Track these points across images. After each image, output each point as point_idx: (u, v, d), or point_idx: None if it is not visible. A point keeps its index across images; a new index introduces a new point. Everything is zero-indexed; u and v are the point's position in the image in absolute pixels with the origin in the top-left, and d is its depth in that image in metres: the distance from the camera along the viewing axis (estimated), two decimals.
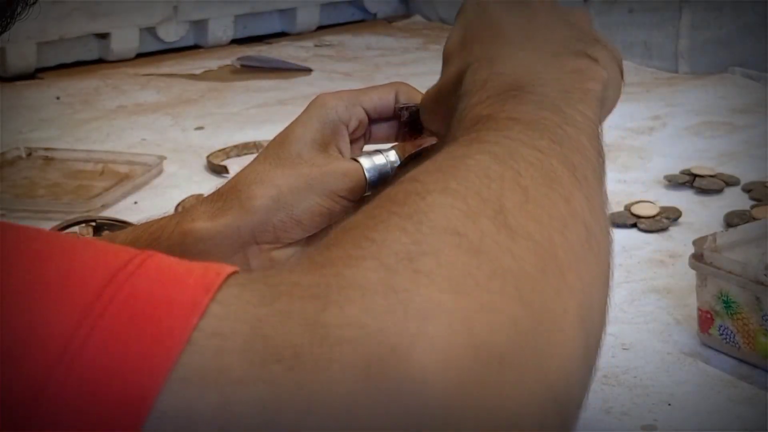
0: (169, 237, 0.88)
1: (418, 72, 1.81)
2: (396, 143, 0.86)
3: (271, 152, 0.87)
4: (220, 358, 0.48)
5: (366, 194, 0.84)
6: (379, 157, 0.85)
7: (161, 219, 0.89)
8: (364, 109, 0.87)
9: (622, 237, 1.21)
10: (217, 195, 0.88)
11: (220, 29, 2.13)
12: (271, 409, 0.47)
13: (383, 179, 0.84)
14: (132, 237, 0.88)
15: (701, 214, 1.27)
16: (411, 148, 0.85)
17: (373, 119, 0.87)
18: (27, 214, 1.33)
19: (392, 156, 0.85)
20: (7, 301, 0.49)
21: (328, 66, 1.98)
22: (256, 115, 1.69)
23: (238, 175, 0.87)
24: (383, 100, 0.87)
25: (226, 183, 0.87)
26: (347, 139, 0.86)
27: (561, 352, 0.54)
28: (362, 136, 0.87)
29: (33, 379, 0.48)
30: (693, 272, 0.98)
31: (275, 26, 2.23)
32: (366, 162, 0.85)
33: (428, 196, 0.56)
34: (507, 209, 0.55)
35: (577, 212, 0.60)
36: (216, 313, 0.49)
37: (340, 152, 0.86)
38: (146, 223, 0.90)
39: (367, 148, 0.88)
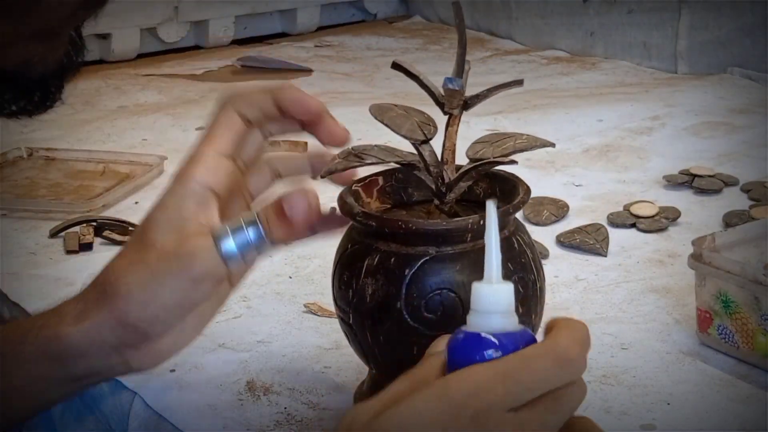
0: (33, 342, 0.82)
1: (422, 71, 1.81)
2: (262, 209, 0.80)
3: (135, 239, 0.82)
4: None
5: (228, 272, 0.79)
6: (230, 223, 0.79)
7: (23, 321, 0.85)
8: (230, 157, 0.82)
9: (621, 237, 1.22)
10: (85, 292, 0.82)
11: (221, 30, 2.14)
12: None
13: (246, 252, 0.79)
14: None
15: (700, 214, 1.28)
16: (274, 211, 0.80)
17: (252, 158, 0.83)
18: (28, 214, 1.33)
19: (252, 229, 0.79)
20: None
21: (329, 66, 1.98)
22: None
23: (105, 267, 0.82)
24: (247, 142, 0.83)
25: (96, 277, 0.82)
26: (214, 208, 0.80)
27: None
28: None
29: None
30: (692, 272, 0.98)
31: (275, 27, 2.23)
32: (216, 233, 0.78)
33: None
34: None
35: None
36: None
37: (207, 223, 0.79)
38: (12, 324, 0.86)
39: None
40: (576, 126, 1.58)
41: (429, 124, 0.88)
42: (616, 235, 1.22)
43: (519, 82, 0.86)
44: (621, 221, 1.25)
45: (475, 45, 2.05)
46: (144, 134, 1.62)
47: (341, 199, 0.86)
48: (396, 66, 0.86)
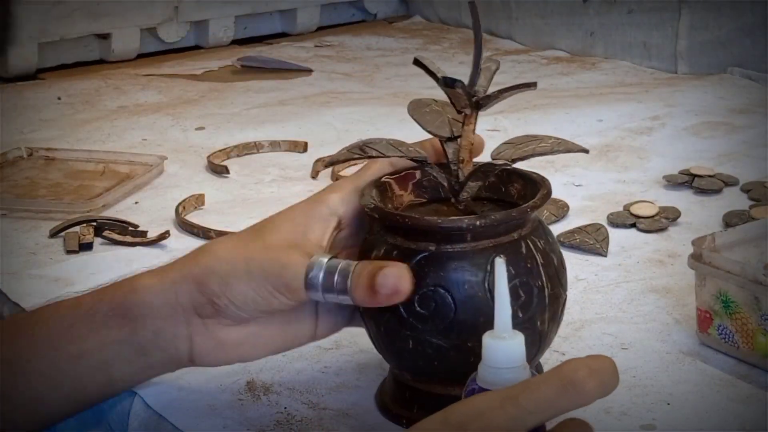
0: (114, 291, 0.87)
1: (418, 72, 1.81)
2: (361, 264, 0.83)
3: (250, 231, 0.87)
4: None
5: (308, 298, 0.83)
6: (331, 261, 0.83)
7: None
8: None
9: (621, 237, 1.22)
10: (177, 259, 0.87)
11: (221, 30, 2.14)
12: None
13: (329, 287, 0.82)
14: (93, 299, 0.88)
15: (700, 214, 1.28)
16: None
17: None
18: (28, 214, 1.33)
19: (341, 276, 0.82)
20: None
21: (329, 66, 1.98)
22: (257, 115, 1.70)
23: (206, 244, 0.88)
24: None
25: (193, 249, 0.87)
26: (329, 232, 0.86)
27: None
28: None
29: None
30: (692, 272, 0.98)
31: (275, 27, 2.23)
32: (313, 262, 0.83)
33: None
34: None
35: None
36: None
37: (316, 243, 0.85)
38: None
39: None
40: (576, 126, 1.58)
41: (460, 122, 0.89)
42: (616, 235, 1.22)
43: (532, 85, 0.87)
44: (621, 221, 1.25)
45: None
46: (144, 134, 1.62)
47: (363, 190, 0.88)
48: (417, 62, 0.86)
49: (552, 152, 0.86)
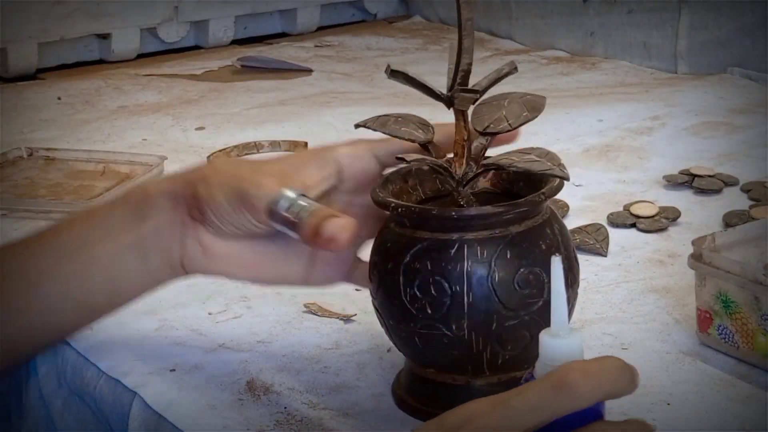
0: (121, 205, 0.94)
1: (419, 72, 1.81)
2: (320, 209, 0.88)
3: (257, 160, 0.94)
4: None
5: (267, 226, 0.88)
6: (301, 198, 0.87)
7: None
8: (377, 156, 0.92)
9: (621, 237, 1.22)
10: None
11: (221, 30, 2.14)
12: None
13: (285, 218, 0.87)
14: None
15: (700, 214, 1.28)
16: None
17: (391, 164, 0.92)
18: (28, 214, 1.33)
19: (309, 204, 0.87)
20: None
21: (329, 66, 1.98)
22: (257, 115, 1.70)
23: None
24: (403, 147, 0.90)
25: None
26: (325, 179, 0.91)
27: None
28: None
29: None
30: (692, 272, 0.98)
31: (276, 27, 2.23)
32: (283, 192, 0.87)
33: None
34: None
35: None
36: None
37: (304, 183, 0.90)
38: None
39: None
40: (576, 126, 1.58)
41: (427, 125, 0.91)
42: (616, 235, 1.22)
43: (514, 70, 0.89)
44: (621, 221, 1.25)
45: (475, 45, 2.04)
46: (144, 134, 1.62)
47: (384, 179, 0.91)
48: (394, 74, 0.87)
49: (530, 171, 0.87)
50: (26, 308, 0.93)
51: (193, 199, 0.90)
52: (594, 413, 0.70)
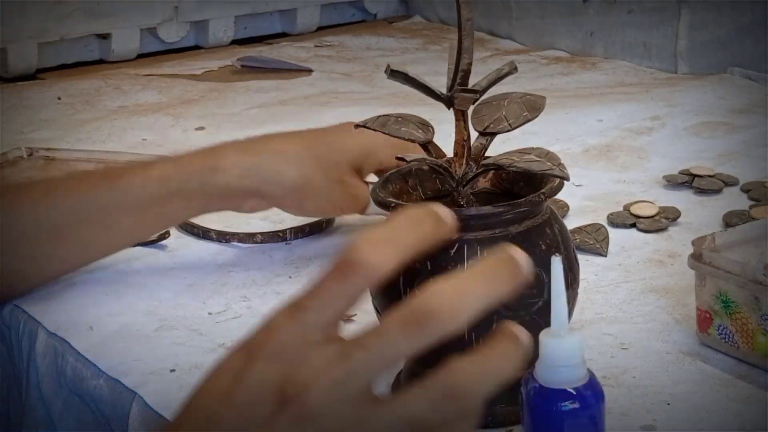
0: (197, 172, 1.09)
1: (419, 72, 1.81)
2: None
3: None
4: None
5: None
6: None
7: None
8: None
9: (621, 237, 1.22)
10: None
11: (221, 30, 2.14)
12: None
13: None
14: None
15: (700, 214, 1.28)
16: None
17: None
18: None
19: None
20: None
21: (328, 66, 1.98)
22: (257, 115, 1.70)
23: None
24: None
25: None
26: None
27: None
28: None
29: None
30: (692, 272, 0.98)
31: (275, 27, 2.23)
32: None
33: None
34: None
35: None
36: None
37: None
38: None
39: None
40: (576, 126, 1.58)
41: (427, 125, 0.91)
42: (616, 235, 1.22)
43: (514, 70, 0.89)
44: (621, 221, 1.25)
45: (475, 45, 2.04)
46: (144, 134, 1.62)
47: (383, 179, 0.92)
48: (394, 74, 0.87)
49: (530, 171, 0.87)
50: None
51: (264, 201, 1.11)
52: (597, 383, 0.72)
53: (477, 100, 0.88)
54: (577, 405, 0.73)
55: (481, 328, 0.83)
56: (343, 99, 1.76)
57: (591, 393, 0.73)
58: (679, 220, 1.26)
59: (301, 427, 0.55)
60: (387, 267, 0.57)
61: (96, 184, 1.09)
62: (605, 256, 1.18)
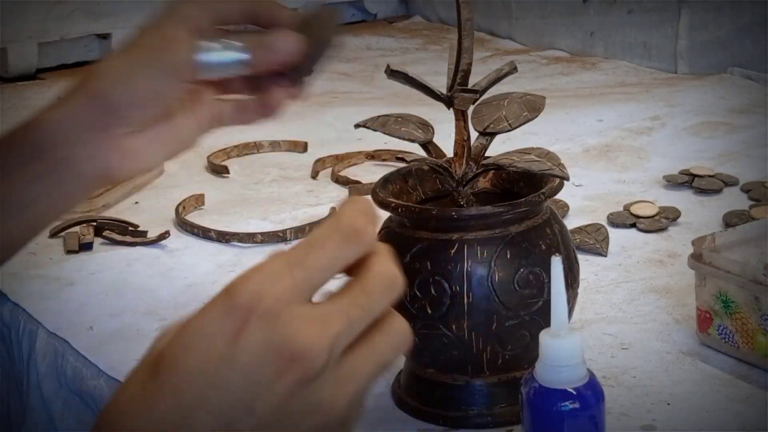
0: (19, 139, 0.89)
1: (419, 72, 1.81)
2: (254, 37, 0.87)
3: (126, 43, 0.89)
4: None
5: (205, 77, 0.85)
6: (226, 47, 0.85)
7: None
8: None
9: (621, 237, 1.22)
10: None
11: None
12: None
13: (220, 67, 0.85)
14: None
15: (700, 214, 1.28)
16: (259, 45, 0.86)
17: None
18: None
19: (235, 50, 0.85)
20: None
21: (328, 66, 1.98)
22: None
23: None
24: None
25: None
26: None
27: None
28: None
29: None
30: (692, 272, 0.98)
31: None
32: (205, 46, 0.84)
33: None
34: None
35: None
36: None
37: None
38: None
39: None
40: (576, 126, 1.58)
41: (427, 125, 0.91)
42: (616, 235, 1.22)
43: (514, 70, 0.89)
44: (621, 221, 1.25)
45: (475, 45, 2.04)
46: None
47: (383, 179, 0.92)
48: (394, 74, 0.87)
49: (529, 171, 0.87)
50: None
51: (98, 106, 0.87)
52: (597, 383, 0.72)
53: (477, 100, 0.88)
54: (577, 405, 0.73)
55: (480, 328, 0.84)
56: (343, 99, 1.76)
57: (591, 393, 0.73)
58: (679, 220, 1.26)
59: (304, 388, 0.56)
60: (372, 242, 0.59)
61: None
62: (605, 256, 1.18)
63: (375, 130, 0.90)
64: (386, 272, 0.59)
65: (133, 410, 0.57)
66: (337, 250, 0.58)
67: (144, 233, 1.25)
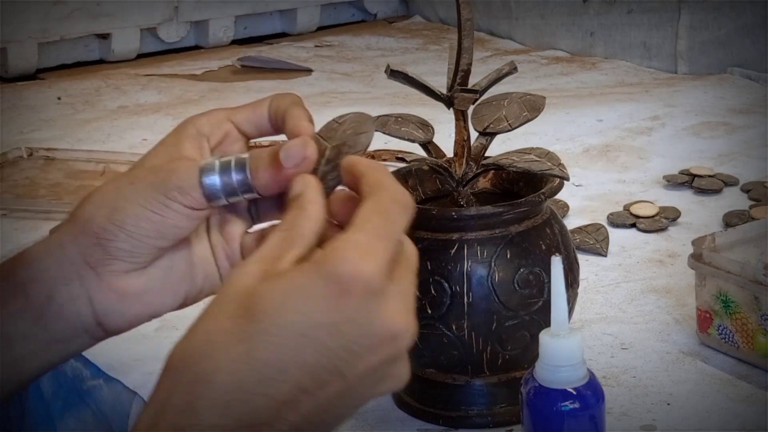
0: (4, 265, 0.78)
1: (419, 72, 1.81)
2: (255, 153, 0.76)
3: (127, 169, 0.78)
4: None
5: (211, 204, 0.74)
6: (223, 158, 0.75)
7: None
8: (234, 123, 0.80)
9: (621, 237, 1.22)
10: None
11: (221, 30, 2.14)
12: None
13: (228, 190, 0.74)
14: None
15: (700, 214, 1.28)
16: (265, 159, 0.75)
17: (251, 134, 0.81)
18: (28, 214, 1.33)
19: (239, 169, 0.74)
20: None
21: (328, 66, 1.98)
22: None
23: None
24: (256, 114, 0.80)
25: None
26: (206, 152, 0.78)
27: None
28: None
29: None
30: (692, 272, 0.98)
31: (275, 27, 2.23)
32: (205, 163, 0.74)
33: None
34: None
35: None
36: None
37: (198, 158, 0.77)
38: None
39: None
40: (576, 126, 1.58)
41: (427, 125, 0.91)
42: (616, 235, 1.22)
43: (513, 70, 0.89)
44: (621, 221, 1.25)
45: (475, 45, 2.05)
46: (144, 134, 1.62)
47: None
48: (394, 74, 0.87)
49: (529, 170, 0.87)
50: None
51: (88, 239, 0.75)
52: (596, 382, 0.72)
53: (477, 100, 0.88)
54: (577, 405, 0.73)
55: (480, 328, 0.84)
56: (343, 99, 1.76)
57: (591, 393, 0.73)
58: (679, 220, 1.26)
59: (392, 362, 0.62)
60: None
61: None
62: (605, 256, 1.18)
63: (375, 130, 0.90)
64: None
65: (224, 353, 0.60)
66: (405, 222, 0.65)
67: None
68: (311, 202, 0.67)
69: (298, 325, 0.60)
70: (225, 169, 0.75)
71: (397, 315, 0.62)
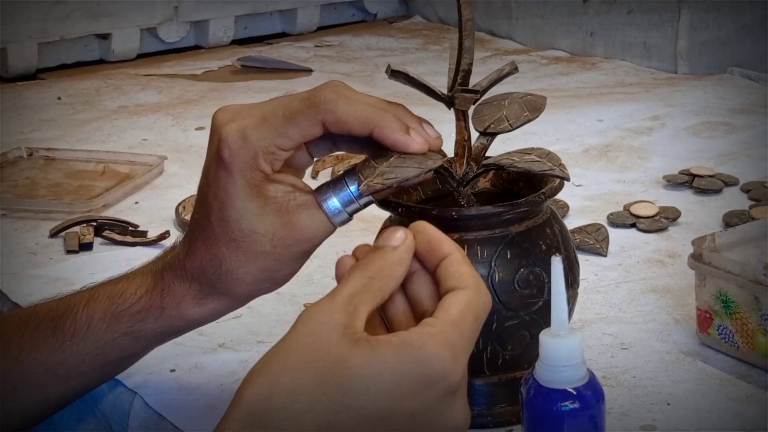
0: (156, 321, 0.86)
1: (419, 72, 1.81)
2: (353, 163, 0.83)
3: (219, 234, 0.83)
4: None
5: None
6: (340, 185, 0.82)
7: (140, 300, 0.87)
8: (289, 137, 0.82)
9: (621, 237, 1.22)
10: (190, 276, 0.85)
11: (221, 30, 2.14)
12: None
13: (349, 206, 0.82)
14: (111, 320, 0.87)
15: (700, 214, 1.28)
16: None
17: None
18: (28, 214, 1.33)
19: (351, 181, 0.82)
20: None
21: (329, 66, 1.98)
22: None
23: (199, 259, 0.84)
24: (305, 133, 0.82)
25: (188, 261, 0.84)
26: (278, 162, 0.82)
27: None
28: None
29: None
30: (692, 272, 0.98)
31: (275, 27, 2.23)
32: (330, 210, 0.82)
33: None
34: None
35: None
36: None
37: (302, 188, 0.83)
38: (124, 305, 0.87)
39: None
40: (576, 126, 1.58)
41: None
42: (616, 235, 1.22)
43: (514, 70, 0.89)
44: (621, 221, 1.25)
45: (475, 45, 2.04)
46: (144, 134, 1.62)
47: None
48: (394, 74, 0.87)
49: (529, 171, 0.87)
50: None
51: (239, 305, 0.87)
52: (596, 383, 0.72)
53: (477, 100, 0.88)
54: (577, 405, 0.73)
55: (484, 331, 0.83)
56: None
57: (591, 393, 0.73)
58: (679, 220, 1.26)
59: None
60: None
61: (44, 341, 0.90)
62: (605, 256, 1.18)
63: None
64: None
65: (308, 417, 0.66)
66: (478, 328, 0.71)
67: (144, 233, 1.25)
68: (401, 264, 0.72)
69: (383, 409, 0.66)
70: (340, 189, 0.82)
71: (463, 413, 0.69)
